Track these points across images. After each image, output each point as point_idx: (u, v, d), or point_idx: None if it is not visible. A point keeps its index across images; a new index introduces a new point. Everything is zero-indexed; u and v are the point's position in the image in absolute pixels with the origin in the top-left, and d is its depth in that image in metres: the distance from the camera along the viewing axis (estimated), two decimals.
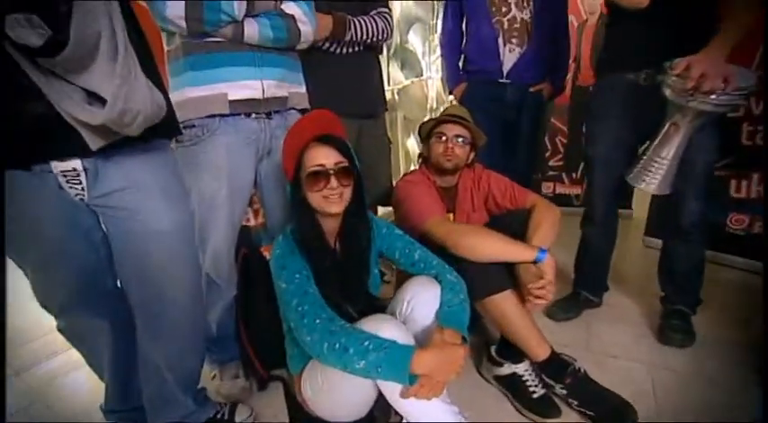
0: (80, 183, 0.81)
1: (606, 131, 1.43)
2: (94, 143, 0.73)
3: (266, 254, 1.16)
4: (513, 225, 1.25)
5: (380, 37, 1.54)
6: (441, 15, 2.90)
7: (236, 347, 1.27)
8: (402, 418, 0.88)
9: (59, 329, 0.95)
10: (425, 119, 1.66)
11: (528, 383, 1.17)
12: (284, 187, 1.16)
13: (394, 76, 3.14)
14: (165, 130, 0.91)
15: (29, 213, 0.79)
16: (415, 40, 3.42)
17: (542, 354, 1.13)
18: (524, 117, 1.83)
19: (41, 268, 0.85)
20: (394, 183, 1.63)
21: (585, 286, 1.66)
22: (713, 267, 1.51)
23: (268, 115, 1.17)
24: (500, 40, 1.75)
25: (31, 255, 0.83)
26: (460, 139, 1.37)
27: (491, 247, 1.12)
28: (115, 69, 0.65)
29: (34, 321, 1.44)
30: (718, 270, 1.96)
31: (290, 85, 1.21)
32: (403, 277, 1.08)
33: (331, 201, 0.97)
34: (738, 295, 1.78)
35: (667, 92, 1.13)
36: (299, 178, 0.99)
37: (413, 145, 3.38)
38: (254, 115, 1.14)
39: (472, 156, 1.44)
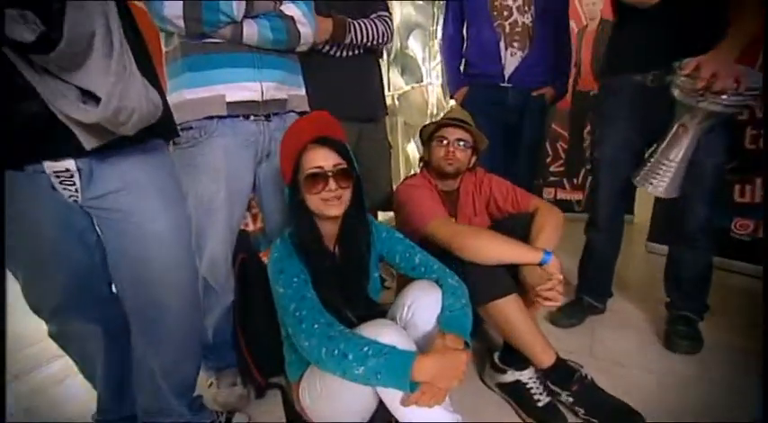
0: (74, 184, 0.79)
1: (613, 133, 1.41)
2: (88, 143, 0.71)
3: (265, 259, 1.14)
4: (516, 229, 1.23)
5: (380, 40, 1.54)
6: (441, 21, 2.92)
7: (234, 354, 1.25)
8: None
9: (51, 335, 0.92)
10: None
11: (532, 391, 1.14)
12: (283, 191, 1.15)
13: (394, 82, 3.14)
14: (161, 131, 0.89)
15: (20, 214, 0.77)
16: (415, 46, 3.43)
17: (547, 360, 1.10)
18: (526, 121, 1.82)
19: (33, 271, 0.83)
20: (394, 187, 1.62)
21: (589, 292, 1.63)
22: (718, 273, 1.49)
23: (267, 118, 1.15)
24: (502, 44, 1.74)
25: (23, 257, 0.81)
26: (462, 143, 1.36)
27: (496, 249, 1.10)
28: (110, 67, 0.64)
29: (34, 326, 1.43)
30: (723, 276, 1.94)
31: (289, 88, 1.19)
32: (403, 282, 1.06)
33: (330, 203, 0.95)
34: (744, 301, 1.76)
35: (676, 92, 1.11)
36: (297, 181, 0.97)
37: (413, 150, 3.37)
38: (252, 117, 1.13)
39: (474, 160, 1.42)
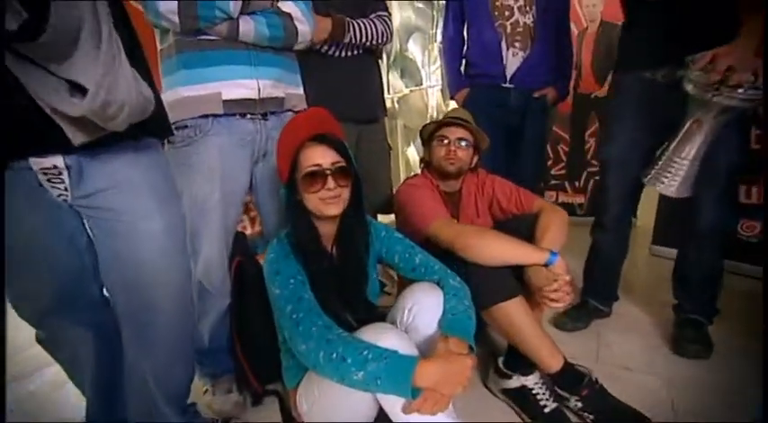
0: (62, 182, 0.76)
1: (622, 132, 1.38)
2: (77, 138, 0.68)
3: (262, 262, 1.12)
4: (520, 230, 1.20)
5: (380, 40, 1.52)
6: (441, 24, 2.91)
7: (230, 360, 1.22)
8: None
9: (38, 340, 0.89)
10: None
11: (538, 397, 1.11)
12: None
13: (394, 85, 3.13)
14: (155, 128, 0.87)
15: (5, 214, 0.74)
16: (414, 50, 3.42)
17: (555, 364, 1.06)
18: (528, 122, 1.79)
19: (19, 274, 0.80)
20: (394, 190, 1.59)
21: (595, 295, 1.60)
22: (725, 276, 1.45)
23: (264, 116, 1.13)
24: (503, 44, 1.72)
25: (8, 258, 0.78)
26: (463, 142, 1.33)
27: (501, 249, 1.07)
28: (98, 58, 0.61)
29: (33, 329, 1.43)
30: (729, 278, 1.89)
31: (286, 86, 1.17)
32: (404, 285, 1.03)
33: (328, 203, 0.92)
34: (751, 304, 1.72)
35: (689, 87, 1.08)
36: (294, 179, 0.94)
37: (413, 153, 3.36)
38: (249, 116, 1.10)
39: (475, 159, 1.40)
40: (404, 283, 1.03)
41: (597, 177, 2.83)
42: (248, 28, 1.04)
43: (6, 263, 0.78)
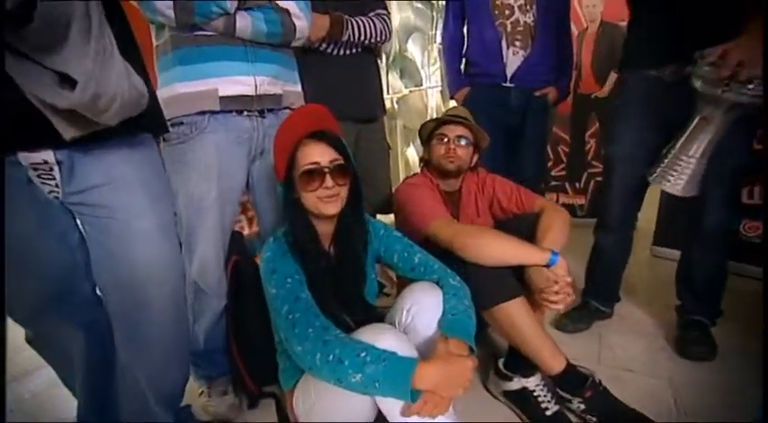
0: (53, 178, 0.74)
1: (627, 131, 1.36)
2: (67, 132, 0.67)
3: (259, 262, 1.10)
4: (521, 229, 1.18)
5: (379, 38, 1.51)
6: (440, 25, 2.90)
7: (226, 362, 1.20)
8: None
9: (28, 341, 0.87)
10: None
11: (540, 399, 1.09)
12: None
13: (393, 85, 3.12)
14: (149, 124, 0.86)
15: None
16: (414, 50, 3.41)
17: (557, 366, 1.04)
18: (529, 122, 1.77)
19: (8, 271, 0.77)
20: (393, 190, 1.57)
21: (597, 296, 1.58)
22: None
23: (261, 114, 1.11)
24: (503, 43, 1.70)
25: None
26: (463, 140, 1.32)
27: (501, 249, 1.05)
28: (88, 49, 0.59)
29: None
30: (731, 279, 1.88)
31: (284, 83, 1.15)
32: (403, 285, 1.01)
33: (326, 201, 0.91)
34: (755, 304, 1.70)
35: (698, 84, 1.06)
36: (291, 178, 0.92)
37: (413, 154, 3.34)
38: (246, 113, 1.09)
39: (476, 158, 1.38)
40: (403, 284, 1.01)
41: (598, 178, 2.82)
42: (245, 23, 1.02)
43: None
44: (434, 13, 3.44)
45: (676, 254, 1.52)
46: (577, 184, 2.92)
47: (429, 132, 1.38)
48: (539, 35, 1.71)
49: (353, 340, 0.76)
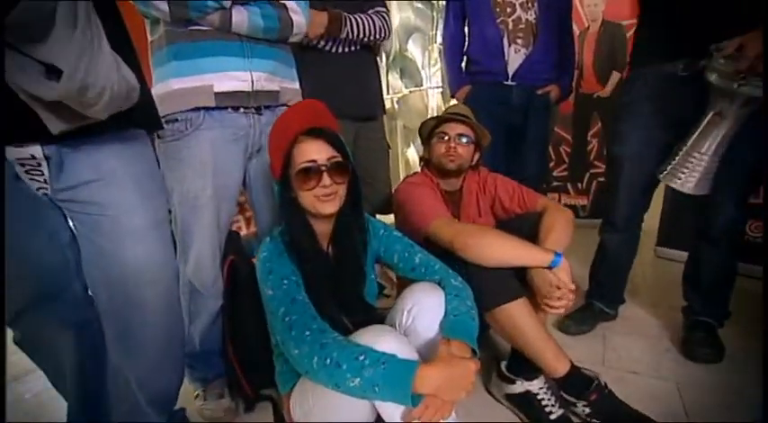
0: (41, 173, 0.72)
1: (636, 128, 1.33)
2: (55, 127, 0.64)
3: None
4: (523, 229, 1.16)
5: (378, 35, 1.49)
6: (440, 25, 2.88)
7: (222, 364, 1.18)
8: None
9: (16, 342, 0.84)
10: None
11: (544, 402, 1.06)
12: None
13: (393, 85, 3.10)
14: (142, 119, 0.83)
15: None
16: (414, 51, 3.40)
17: (561, 368, 1.01)
18: (531, 121, 1.75)
19: None
20: (393, 189, 1.55)
21: (601, 298, 1.55)
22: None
23: (257, 110, 1.09)
24: (505, 41, 1.68)
25: None
26: (464, 139, 1.29)
27: (502, 250, 1.03)
28: (73, 39, 0.57)
29: None
30: (738, 280, 1.85)
31: (281, 80, 1.13)
32: (403, 285, 0.98)
33: (323, 200, 0.88)
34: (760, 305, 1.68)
35: (713, 77, 1.04)
36: (287, 176, 0.89)
37: (413, 154, 3.32)
38: (242, 110, 1.06)
39: (477, 157, 1.36)
40: (403, 285, 0.98)
41: (600, 179, 2.79)
42: (241, 18, 1.00)
43: None
44: (435, 14, 3.43)
45: (680, 255, 1.50)
46: (579, 185, 2.90)
47: (429, 131, 1.36)
48: (541, 33, 1.68)
49: (352, 343, 0.74)
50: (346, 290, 0.95)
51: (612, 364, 1.34)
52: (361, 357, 0.69)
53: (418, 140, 1.51)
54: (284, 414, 0.94)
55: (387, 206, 1.62)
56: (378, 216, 1.68)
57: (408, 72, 3.33)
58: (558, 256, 1.01)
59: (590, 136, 2.81)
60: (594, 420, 1.01)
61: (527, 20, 1.69)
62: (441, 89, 3.52)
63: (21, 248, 0.75)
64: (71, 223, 0.81)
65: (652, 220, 2.36)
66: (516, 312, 1.02)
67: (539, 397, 1.08)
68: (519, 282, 1.06)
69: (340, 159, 0.89)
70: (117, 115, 0.69)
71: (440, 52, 3.31)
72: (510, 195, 1.32)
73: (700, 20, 1.14)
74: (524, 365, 1.09)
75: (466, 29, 1.84)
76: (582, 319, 1.53)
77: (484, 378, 1.26)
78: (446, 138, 1.29)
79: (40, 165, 0.71)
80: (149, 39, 1.07)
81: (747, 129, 1.08)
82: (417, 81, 3.41)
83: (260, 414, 1.18)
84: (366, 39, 1.46)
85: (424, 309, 0.87)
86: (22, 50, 0.58)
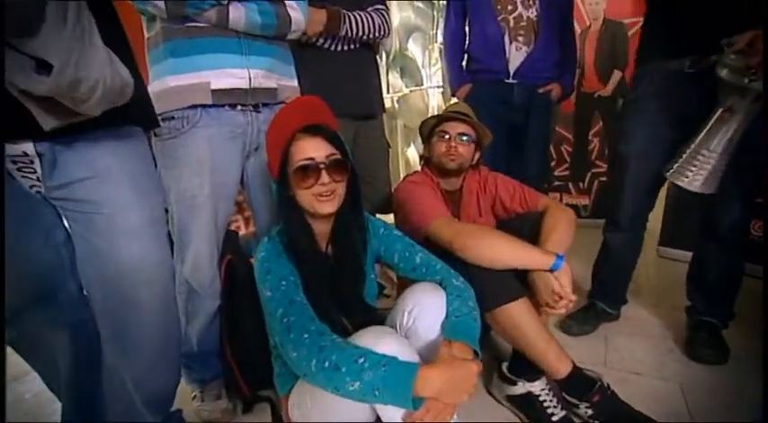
0: (34, 171, 0.71)
1: (642, 125, 1.31)
2: (47, 123, 0.63)
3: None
4: (524, 229, 1.15)
5: (377, 33, 1.47)
6: (441, 25, 2.86)
7: (219, 365, 1.16)
8: None
9: (9, 342, 0.83)
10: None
11: (546, 404, 1.05)
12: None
13: (393, 84, 3.09)
14: (137, 116, 0.82)
15: None
16: (414, 50, 3.38)
17: (563, 369, 1.00)
18: (532, 120, 1.74)
19: None
20: (393, 189, 1.53)
21: (604, 298, 1.53)
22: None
23: (255, 108, 1.08)
24: (506, 38, 1.67)
25: None
26: (465, 138, 1.28)
27: (502, 251, 1.01)
28: (64, 33, 0.55)
29: None
30: (744, 280, 1.84)
31: (279, 77, 1.12)
32: (403, 285, 0.97)
33: (322, 199, 0.86)
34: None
35: (723, 72, 1.02)
36: (285, 174, 0.88)
37: (413, 154, 3.31)
38: (239, 107, 1.05)
39: (477, 156, 1.34)
40: (403, 285, 0.97)
41: (602, 178, 2.78)
42: (239, 15, 0.99)
43: None
44: (435, 13, 3.42)
45: (683, 254, 1.48)
46: (581, 185, 2.88)
47: (430, 129, 1.34)
48: (542, 30, 1.67)
49: (351, 345, 0.72)
50: (346, 290, 0.93)
51: (615, 365, 1.32)
52: (361, 360, 0.68)
53: (419, 140, 1.49)
54: (282, 416, 0.93)
55: (387, 205, 1.60)
56: (377, 215, 1.67)
57: (409, 71, 3.31)
58: (559, 259, 1.00)
59: (591, 135, 2.79)
60: (597, 422, 1.00)
61: (528, 17, 1.67)
62: (441, 89, 3.51)
63: (15, 248, 0.73)
64: (65, 221, 0.80)
65: (654, 219, 2.35)
66: (517, 313, 1.00)
67: (540, 398, 1.06)
68: (520, 282, 1.04)
69: (339, 157, 0.88)
70: (112, 112, 0.68)
71: (440, 51, 3.30)
72: (511, 195, 1.31)
73: (708, 15, 1.12)
74: (526, 366, 1.07)
75: (467, 27, 1.82)
76: (584, 319, 1.51)
77: (485, 379, 1.24)
78: (447, 137, 1.28)
79: (32, 162, 0.70)
80: (146, 36, 1.05)
81: (756, 126, 1.07)
82: (418, 80, 3.40)
83: (258, 415, 1.16)
84: (365, 37, 1.45)
85: (426, 310, 0.85)
86: (12, 44, 0.57)
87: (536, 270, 1.02)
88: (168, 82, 1.00)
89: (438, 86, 3.53)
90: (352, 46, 1.48)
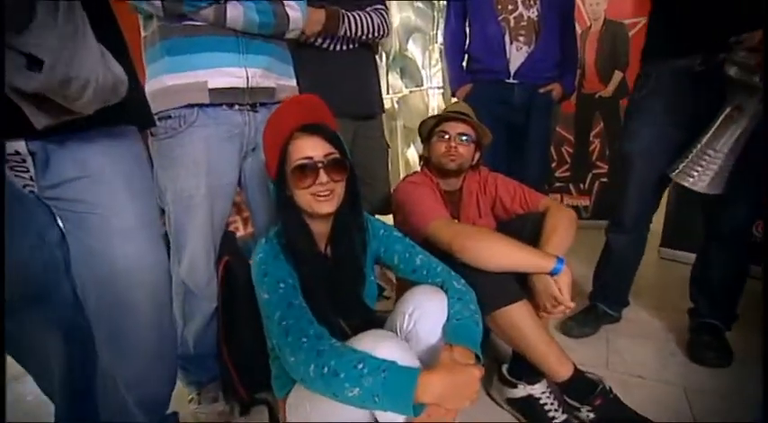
0: (27, 170, 0.70)
1: (647, 125, 1.30)
2: (39, 122, 0.62)
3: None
4: (525, 230, 1.14)
5: (376, 33, 1.46)
6: (441, 25, 2.84)
7: (217, 367, 1.15)
8: None
9: None
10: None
11: (546, 407, 1.04)
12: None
13: (393, 84, 3.08)
14: (132, 115, 0.81)
15: None
16: (414, 50, 3.37)
17: (564, 372, 0.98)
18: (533, 120, 1.72)
19: None
20: (392, 189, 1.52)
21: (605, 299, 1.52)
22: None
23: (253, 107, 1.06)
24: (507, 38, 1.66)
25: None
26: (464, 138, 1.26)
27: (502, 253, 1.00)
28: (54, 29, 0.54)
29: None
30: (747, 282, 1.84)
31: (278, 77, 1.11)
32: (403, 287, 0.96)
33: (320, 199, 0.85)
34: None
35: (732, 70, 1.01)
36: (283, 174, 0.87)
37: (413, 155, 3.30)
38: (237, 107, 1.04)
39: (477, 156, 1.33)
40: (404, 286, 0.96)
41: (603, 179, 2.77)
42: (236, 13, 0.98)
43: None
44: (435, 13, 3.41)
45: (685, 256, 1.46)
46: (582, 185, 2.87)
47: (429, 129, 1.33)
48: (543, 30, 1.66)
49: (350, 350, 0.71)
50: (345, 292, 0.92)
51: (616, 368, 1.31)
52: (360, 366, 0.67)
53: (419, 140, 1.48)
54: (280, 418, 0.92)
55: (386, 206, 1.59)
56: (377, 216, 1.66)
57: (408, 72, 3.30)
58: (559, 263, 0.98)
59: (592, 136, 2.78)
60: None
61: (529, 17, 1.66)
62: (441, 90, 3.50)
63: (8, 248, 0.72)
64: (59, 221, 0.79)
65: (656, 220, 2.33)
66: (517, 315, 0.99)
67: (541, 401, 1.05)
68: (520, 284, 1.03)
69: (337, 156, 0.87)
70: (106, 111, 0.67)
71: (440, 52, 3.29)
72: (511, 195, 1.29)
73: (717, 13, 1.11)
74: (526, 369, 1.06)
75: (467, 27, 1.81)
76: (585, 321, 1.50)
77: (485, 382, 1.23)
78: (446, 137, 1.26)
79: (24, 161, 0.69)
80: (142, 34, 1.04)
81: (763, 127, 1.05)
82: (418, 81, 3.39)
83: (255, 418, 1.15)
84: (365, 36, 1.44)
85: (426, 313, 0.84)
86: (3, 40, 0.56)
87: (536, 274, 1.01)
88: (165, 81, 0.99)
89: (438, 87, 3.53)
90: (351, 46, 1.47)
